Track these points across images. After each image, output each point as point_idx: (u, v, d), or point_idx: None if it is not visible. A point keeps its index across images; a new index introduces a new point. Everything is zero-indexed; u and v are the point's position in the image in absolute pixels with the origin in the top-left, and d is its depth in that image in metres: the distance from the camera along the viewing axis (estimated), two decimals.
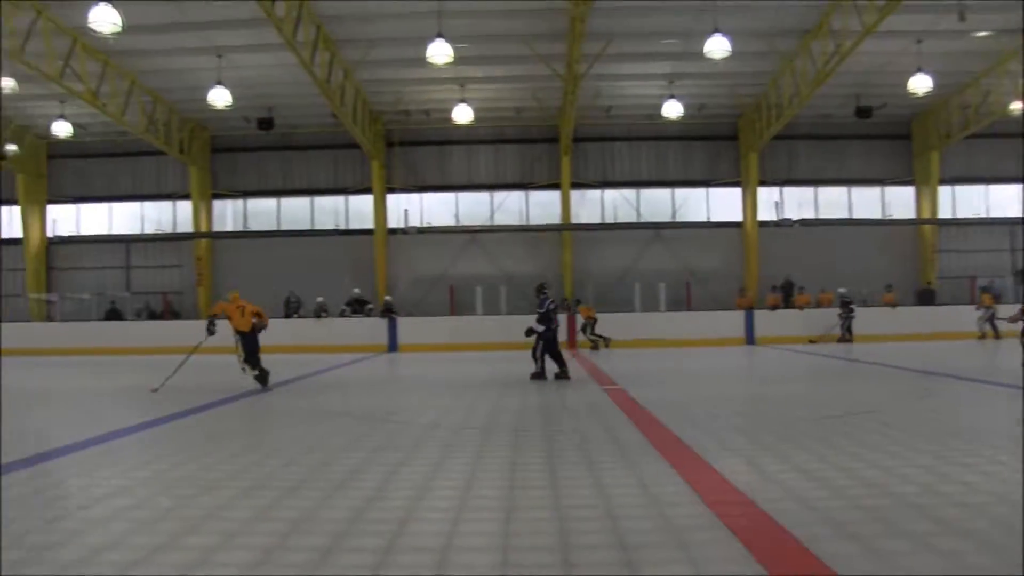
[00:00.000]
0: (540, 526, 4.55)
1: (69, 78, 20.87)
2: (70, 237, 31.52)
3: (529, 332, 13.95)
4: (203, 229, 30.37)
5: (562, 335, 24.11)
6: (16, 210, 30.92)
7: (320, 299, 26.30)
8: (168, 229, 31.41)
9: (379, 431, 8.24)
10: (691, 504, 4.96)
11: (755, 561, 3.84)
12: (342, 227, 30.61)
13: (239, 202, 31.20)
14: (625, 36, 21.69)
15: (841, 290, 25.33)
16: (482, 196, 30.66)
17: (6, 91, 22.77)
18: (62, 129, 26.02)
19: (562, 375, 13.59)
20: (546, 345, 13.72)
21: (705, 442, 7.10)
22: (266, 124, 27.12)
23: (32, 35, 19.07)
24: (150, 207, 31.62)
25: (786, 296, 27.55)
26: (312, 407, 10.52)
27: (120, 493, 5.54)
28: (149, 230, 31.56)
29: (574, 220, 29.78)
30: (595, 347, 23.51)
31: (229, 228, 31.30)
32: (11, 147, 28.51)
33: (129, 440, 8.01)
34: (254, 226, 31.06)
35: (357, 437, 7.78)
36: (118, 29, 16.32)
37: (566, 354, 15.08)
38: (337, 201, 30.80)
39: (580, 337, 24.30)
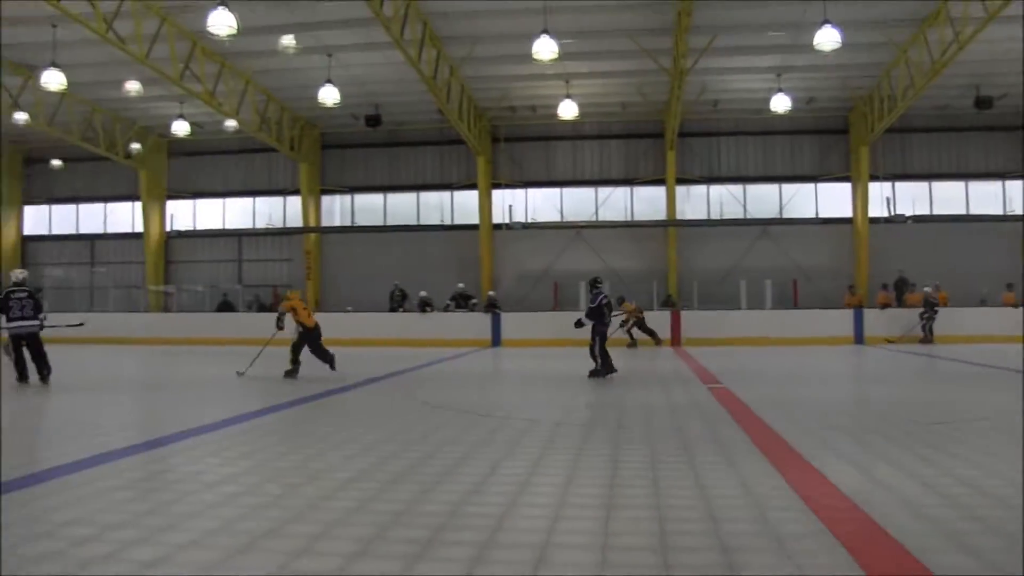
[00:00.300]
0: (640, 525, 4.49)
1: (188, 79, 21.70)
2: (186, 231, 32.76)
3: (578, 324, 13.85)
4: (312, 224, 31.13)
5: (665, 332, 24.01)
6: (138, 206, 32.33)
7: (424, 293, 26.63)
8: (278, 224, 32.31)
9: (480, 426, 8.28)
10: (795, 508, 4.81)
11: (860, 569, 3.70)
12: (447, 222, 30.96)
13: (347, 197, 31.87)
14: (732, 29, 21.28)
15: (926, 288, 24.30)
16: (587, 191, 30.55)
17: (132, 94, 23.77)
18: (181, 128, 26.99)
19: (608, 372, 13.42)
20: (601, 340, 13.51)
21: (810, 444, 6.90)
22: (374, 121, 27.61)
23: (157, 40, 19.85)
24: (261, 202, 32.59)
25: (899, 295, 26.59)
26: (415, 401, 10.64)
27: (228, 480, 5.71)
28: (260, 225, 32.53)
29: (679, 216, 29.40)
30: (632, 344, 22.93)
31: (337, 223, 32.02)
32: (135, 146, 29.77)
33: (237, 428, 8.24)
34: (361, 221, 31.69)
35: (459, 431, 7.83)
36: (234, 31, 16.82)
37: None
38: (443, 196, 31.14)
39: (684, 336, 23.99)
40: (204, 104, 23.96)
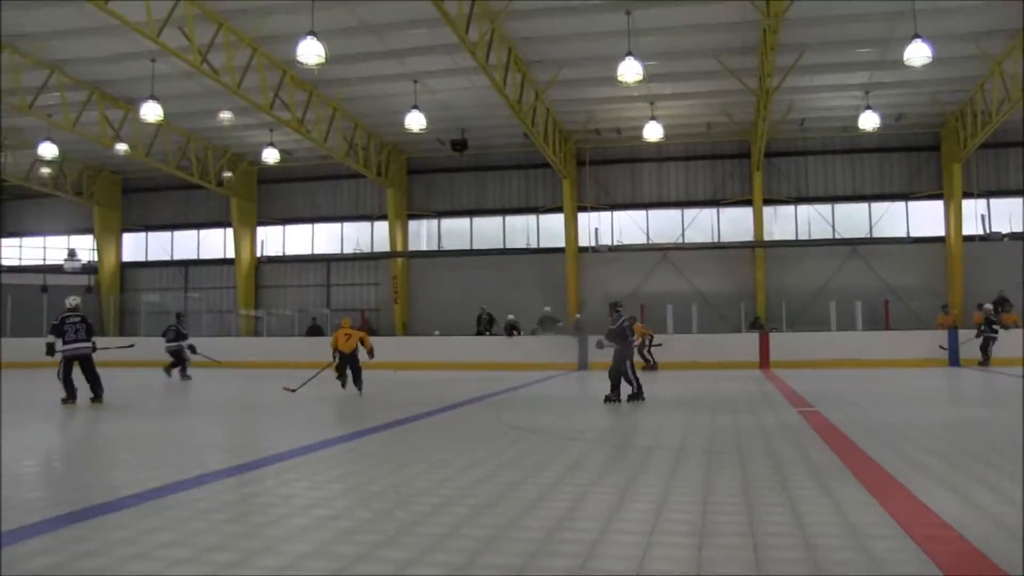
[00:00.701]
0: (733, 553, 4.37)
1: (278, 108, 22.29)
2: (276, 257, 33.52)
3: (599, 345, 13.72)
4: (399, 248, 31.54)
5: (753, 354, 23.57)
6: (230, 232, 33.22)
7: (511, 317, 26.67)
8: (366, 248, 32.81)
9: (570, 450, 8.21)
10: (893, 535, 4.63)
11: None
12: (533, 246, 31.04)
13: (433, 222, 32.21)
14: (819, 46, 20.90)
15: (987, 306, 23.24)
16: (673, 213, 30.32)
17: (224, 123, 24.48)
18: (271, 156, 27.67)
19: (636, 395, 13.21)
20: (631, 362, 13.34)
21: (906, 469, 6.67)
22: (459, 146, 27.87)
23: (248, 70, 20.46)
24: (349, 227, 33.17)
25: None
26: (503, 424, 10.61)
27: (320, 504, 5.75)
28: (348, 249, 33.07)
29: (766, 237, 28.94)
30: (650, 366, 22.44)
31: (424, 247, 32.38)
32: (227, 174, 30.64)
33: (327, 452, 8.33)
34: (448, 245, 31.99)
35: (548, 456, 7.78)
36: (322, 60, 17.19)
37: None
38: (529, 220, 31.25)
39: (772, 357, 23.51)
40: (293, 132, 24.59)
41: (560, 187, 29.90)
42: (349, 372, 15.38)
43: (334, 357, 15.47)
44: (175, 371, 20.63)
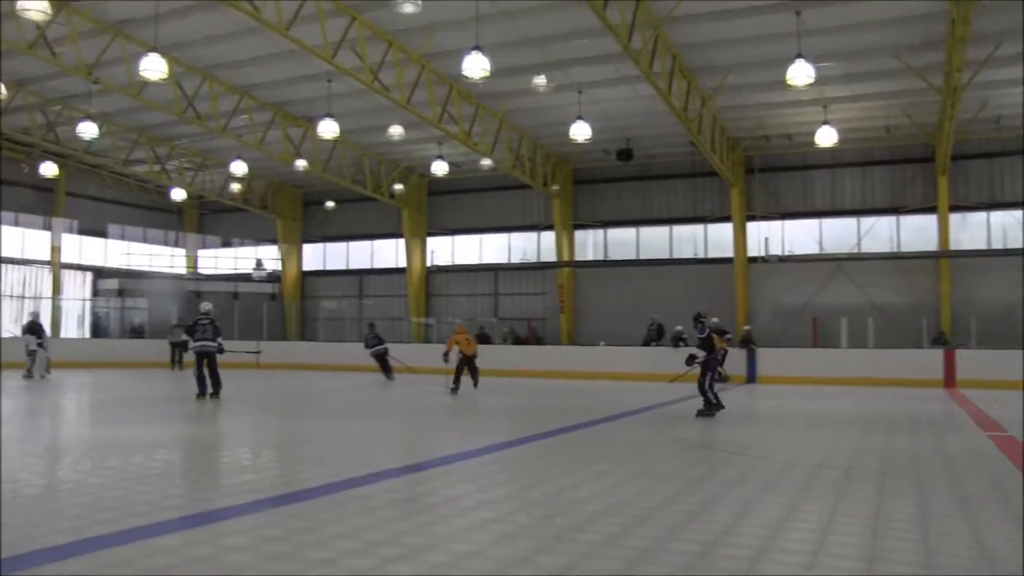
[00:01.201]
0: None
1: (446, 121, 22.90)
2: (446, 266, 34.37)
3: (690, 360, 13.17)
4: (565, 258, 31.68)
5: (937, 372, 22.22)
6: (401, 243, 34.36)
7: (679, 328, 26.27)
8: (533, 258, 33.14)
9: (733, 464, 8.04)
10: None
11: None
12: (700, 256, 30.51)
13: (599, 231, 32.19)
14: (1017, 34, 19.19)
15: None
16: (848, 222, 29.05)
17: (395, 138, 25.33)
18: (440, 168, 28.39)
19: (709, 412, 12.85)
20: (710, 375, 13.02)
21: None
22: (625, 155, 27.74)
23: (417, 86, 21.12)
24: (516, 237, 33.60)
25: None
26: (668, 437, 10.49)
27: (483, 507, 5.86)
28: (515, 259, 33.50)
29: (953, 246, 27.26)
30: (721, 378, 20.57)
31: (590, 257, 32.39)
32: (398, 186, 31.68)
33: (491, 457, 8.48)
34: (614, 255, 31.88)
35: (711, 469, 7.65)
36: (487, 74, 17.50)
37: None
38: (695, 229, 30.73)
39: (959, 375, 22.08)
40: (461, 144, 25.18)
41: (728, 196, 29.24)
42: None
43: (445, 358, 17.90)
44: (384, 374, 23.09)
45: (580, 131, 22.99)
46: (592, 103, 23.75)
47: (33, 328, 21.17)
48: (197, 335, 15.40)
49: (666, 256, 30.90)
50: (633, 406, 14.75)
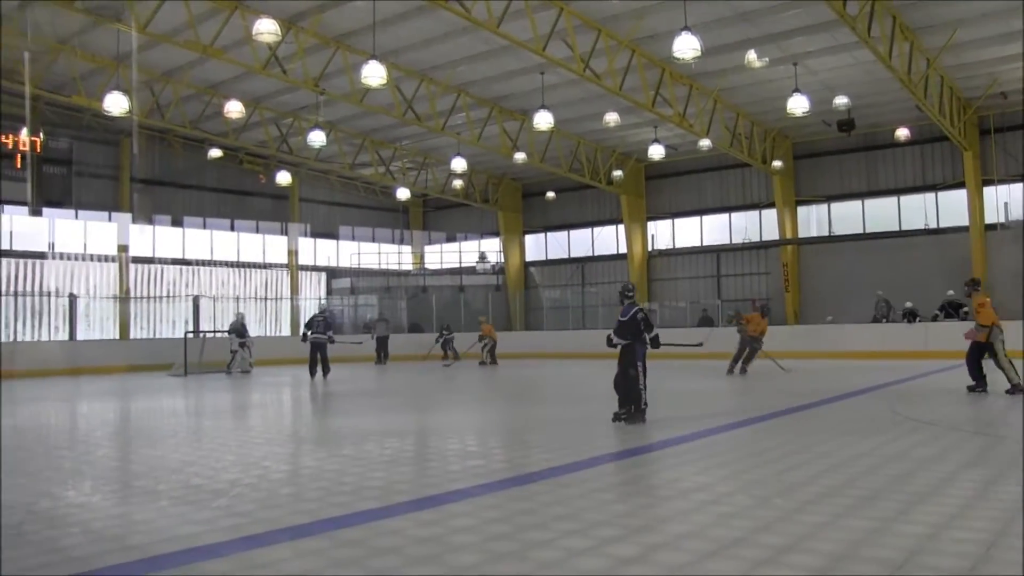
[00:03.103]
0: None
1: (659, 105, 22.83)
2: (666, 250, 34.21)
3: (610, 342, 10.12)
4: (788, 236, 30.76)
5: None
6: (621, 228, 34.54)
7: (910, 304, 24.95)
8: (754, 238, 32.40)
9: (970, 444, 7.67)
10: None
11: None
12: (932, 226, 28.71)
13: (822, 206, 30.99)
14: None
15: None
16: None
17: (610, 125, 25.48)
18: (656, 152, 28.28)
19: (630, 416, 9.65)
20: (644, 368, 9.72)
21: None
22: (846, 126, 26.51)
23: (629, 71, 21.20)
24: (737, 217, 32.94)
25: None
26: (897, 416, 10.09)
27: (702, 488, 5.94)
28: (736, 240, 32.87)
29: None
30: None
31: (813, 233, 31.28)
32: (616, 173, 31.83)
33: (712, 440, 8.50)
34: (838, 230, 30.60)
35: (944, 449, 7.33)
36: (698, 54, 17.31)
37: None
38: (926, 198, 28.88)
39: None
40: (676, 126, 25.04)
41: (960, 161, 27.30)
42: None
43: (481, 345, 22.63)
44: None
45: (798, 104, 22.22)
46: (809, 74, 22.94)
47: (237, 328, 22.69)
48: (315, 329, 19.58)
49: (894, 228, 29.30)
50: (860, 385, 14.21)
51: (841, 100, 23.99)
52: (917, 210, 29.02)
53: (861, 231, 30.00)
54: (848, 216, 30.39)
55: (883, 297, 26.14)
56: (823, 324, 26.70)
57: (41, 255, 28.84)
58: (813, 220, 31.34)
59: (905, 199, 29.22)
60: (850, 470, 6.42)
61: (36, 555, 4.60)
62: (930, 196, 28.74)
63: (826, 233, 30.93)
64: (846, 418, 10.33)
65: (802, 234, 31.22)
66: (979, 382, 12.24)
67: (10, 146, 24.90)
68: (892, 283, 26.99)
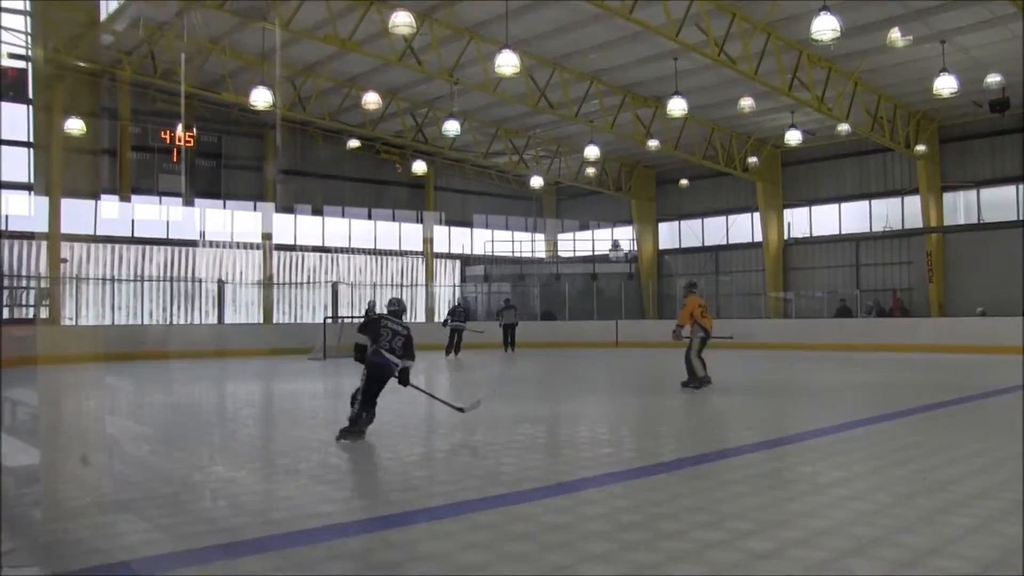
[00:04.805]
0: None
1: (797, 88, 22.13)
2: (803, 238, 33.24)
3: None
4: (932, 223, 29.38)
5: None
6: (757, 216, 33.76)
7: None
8: (896, 226, 31.12)
9: None
10: None
11: None
12: None
13: (971, 193, 29.46)
14: None
15: None
16: None
17: (745, 110, 24.91)
18: (793, 137, 27.50)
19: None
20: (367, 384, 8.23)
21: None
22: (1000, 106, 25.06)
23: (764, 55, 20.65)
24: (877, 204, 31.68)
25: None
26: None
27: (841, 484, 5.78)
28: (877, 228, 31.65)
29: None
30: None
31: (961, 221, 29.78)
32: (751, 159, 31.11)
33: (851, 433, 8.24)
34: (989, 218, 29.04)
35: None
36: (837, 34, 16.72)
37: None
38: None
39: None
40: (814, 111, 24.23)
41: None
42: None
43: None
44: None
45: (945, 84, 21.14)
46: (958, 51, 21.79)
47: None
48: (455, 318, 22.93)
49: None
50: (1016, 381, 13.50)
51: (994, 79, 22.74)
52: None
53: (1016, 218, 28.34)
54: (1000, 202, 28.77)
55: None
56: (972, 317, 25.43)
57: (193, 243, 30.37)
58: (961, 207, 29.83)
59: None
60: (1007, 470, 6.12)
61: (190, 524, 4.89)
62: None
63: (975, 220, 29.40)
64: (1004, 415, 9.84)
65: (948, 221, 29.75)
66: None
67: (167, 141, 26.54)
68: None
